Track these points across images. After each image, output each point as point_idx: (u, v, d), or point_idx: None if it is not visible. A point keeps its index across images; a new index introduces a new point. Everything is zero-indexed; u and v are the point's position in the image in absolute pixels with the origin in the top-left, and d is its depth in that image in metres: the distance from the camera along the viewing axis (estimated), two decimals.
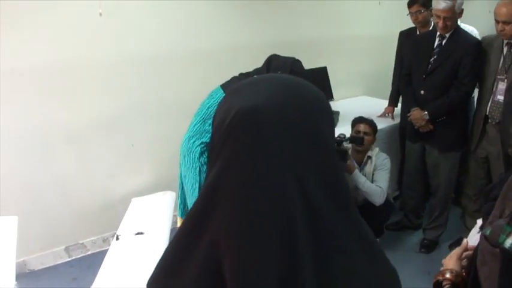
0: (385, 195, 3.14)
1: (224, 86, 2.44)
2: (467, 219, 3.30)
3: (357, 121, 3.32)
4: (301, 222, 0.60)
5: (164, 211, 2.96)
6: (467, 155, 3.28)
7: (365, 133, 3.25)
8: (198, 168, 2.40)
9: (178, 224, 2.88)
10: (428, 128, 3.16)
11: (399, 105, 3.77)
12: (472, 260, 1.36)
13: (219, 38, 3.68)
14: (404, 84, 3.36)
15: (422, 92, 3.15)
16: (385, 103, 3.98)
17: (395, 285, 0.70)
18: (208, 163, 0.68)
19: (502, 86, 2.95)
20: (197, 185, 2.40)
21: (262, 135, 0.62)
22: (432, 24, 3.34)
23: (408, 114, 3.23)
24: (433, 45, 3.10)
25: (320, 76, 4.13)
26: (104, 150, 3.31)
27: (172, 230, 2.69)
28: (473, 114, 3.20)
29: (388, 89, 3.97)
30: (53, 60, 2.99)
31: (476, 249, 1.32)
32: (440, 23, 2.94)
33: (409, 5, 3.50)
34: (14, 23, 2.80)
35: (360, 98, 4.63)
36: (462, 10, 3.00)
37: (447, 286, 1.36)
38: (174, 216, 3.04)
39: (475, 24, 3.80)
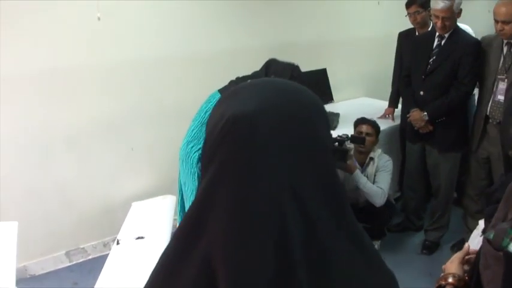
0: (386, 197, 3.14)
1: (222, 91, 2.43)
2: (469, 220, 3.29)
3: (359, 122, 3.32)
4: (296, 227, 0.59)
5: (164, 215, 2.96)
6: (468, 156, 3.28)
7: (367, 134, 3.24)
8: (196, 174, 2.39)
9: None
10: (428, 129, 3.15)
11: (399, 106, 3.76)
12: (474, 264, 1.35)
13: (219, 40, 3.67)
14: (404, 85, 3.36)
15: (421, 92, 3.14)
16: (385, 104, 3.97)
17: None
18: (202, 168, 0.67)
19: (502, 85, 2.94)
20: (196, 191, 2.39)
21: (255, 140, 0.61)
22: (431, 24, 3.33)
23: (408, 115, 3.23)
24: (432, 46, 3.09)
25: (320, 78, 4.13)
26: (104, 154, 3.30)
27: (172, 234, 2.68)
28: (474, 115, 3.19)
29: (388, 90, 3.96)
30: (53, 64, 2.98)
31: (478, 252, 1.31)
32: (439, 23, 2.94)
33: (407, 6, 3.50)
34: (13, 25, 2.80)
35: (360, 100, 4.62)
36: (461, 10, 2.99)
37: None
38: (175, 220, 3.04)
39: (474, 24, 3.79)
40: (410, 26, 3.63)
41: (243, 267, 0.58)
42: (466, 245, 1.48)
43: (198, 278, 0.61)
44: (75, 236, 3.31)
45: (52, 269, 3.25)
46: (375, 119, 3.47)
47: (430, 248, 3.42)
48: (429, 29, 3.41)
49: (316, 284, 0.59)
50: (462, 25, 3.43)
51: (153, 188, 3.44)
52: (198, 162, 2.38)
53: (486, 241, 1.20)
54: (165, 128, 3.45)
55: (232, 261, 0.59)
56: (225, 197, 0.61)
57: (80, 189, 3.26)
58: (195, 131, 2.41)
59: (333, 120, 3.76)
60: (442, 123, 3.12)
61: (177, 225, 2.89)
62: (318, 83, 4.12)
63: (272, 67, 2.51)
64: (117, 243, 2.69)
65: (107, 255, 2.55)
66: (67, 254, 3.31)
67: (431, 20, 3.23)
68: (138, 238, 2.70)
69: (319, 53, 4.31)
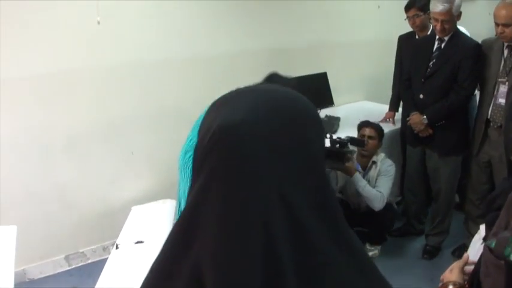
0: (385, 201, 3.13)
1: None
2: (470, 225, 3.27)
3: (363, 125, 3.32)
4: (286, 234, 0.58)
5: (164, 219, 2.95)
6: (469, 159, 3.26)
7: (370, 137, 3.24)
8: None
9: None
10: (427, 133, 3.14)
11: (400, 110, 3.75)
12: (474, 272, 1.35)
13: (219, 43, 3.67)
14: (404, 88, 3.35)
15: (421, 96, 3.14)
16: (386, 108, 3.96)
17: None
18: (192, 174, 0.67)
19: (503, 89, 2.93)
20: None
21: (243, 150, 0.60)
22: (431, 28, 3.33)
23: (407, 119, 3.22)
24: (432, 49, 3.09)
25: (320, 81, 4.12)
26: (103, 158, 3.29)
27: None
28: (475, 118, 3.18)
29: (388, 93, 3.96)
30: (53, 66, 2.98)
31: (479, 260, 1.30)
32: (438, 26, 2.93)
33: (406, 9, 3.49)
34: (13, 28, 2.80)
35: (361, 103, 4.62)
36: (460, 13, 2.99)
37: None
38: None
39: (475, 27, 3.79)
40: (411, 29, 3.62)
41: (231, 275, 0.57)
42: (466, 254, 1.47)
43: (188, 286, 0.60)
44: (74, 240, 3.30)
45: (51, 273, 3.24)
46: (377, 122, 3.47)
47: (431, 252, 3.40)
48: (429, 32, 3.41)
49: None
50: (459, 27, 3.43)
51: (153, 192, 3.42)
52: None
53: (487, 249, 1.19)
54: (165, 132, 3.44)
55: (220, 268, 0.58)
56: (214, 205, 0.60)
57: (79, 192, 3.25)
58: (192, 140, 2.40)
59: (333, 124, 3.76)
60: (442, 126, 3.10)
61: None
62: (318, 87, 4.11)
63: (274, 81, 2.50)
64: (116, 247, 2.68)
65: (107, 259, 2.54)
66: (66, 258, 3.30)
67: (430, 23, 3.22)
68: (138, 242, 2.69)
69: (320, 56, 4.30)
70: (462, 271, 1.41)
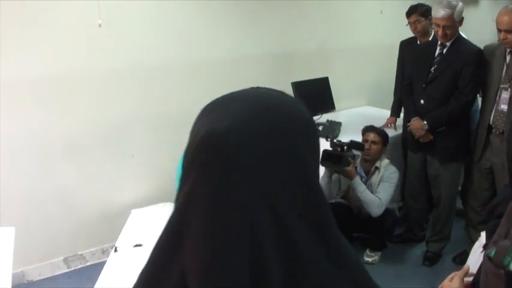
0: (384, 208, 3.12)
1: None
2: (471, 231, 3.25)
3: (367, 130, 3.32)
4: (272, 240, 0.57)
5: (164, 223, 2.93)
6: (471, 166, 3.24)
7: (373, 142, 3.23)
8: None
9: None
10: (428, 138, 3.13)
11: (402, 115, 3.74)
12: (474, 281, 1.34)
13: (220, 48, 3.67)
14: (406, 94, 3.34)
15: (422, 101, 3.12)
16: (387, 113, 3.95)
17: None
18: (180, 179, 0.65)
19: (505, 95, 2.92)
20: None
21: (228, 159, 0.59)
22: (432, 33, 3.32)
23: (408, 124, 3.21)
24: (434, 55, 3.08)
25: (322, 86, 4.12)
26: (103, 161, 3.29)
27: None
28: (477, 124, 3.16)
29: (391, 99, 3.95)
30: (53, 69, 2.99)
31: (479, 269, 1.29)
32: (440, 32, 2.92)
33: (408, 15, 3.49)
34: (14, 30, 2.81)
35: (363, 108, 4.61)
36: (462, 18, 2.98)
37: None
38: None
39: (477, 33, 3.78)
40: (413, 34, 3.62)
41: (216, 281, 0.57)
42: (467, 265, 1.46)
43: None
44: (73, 243, 3.29)
45: (50, 275, 3.23)
46: None
47: (432, 259, 3.37)
48: (430, 37, 3.41)
49: None
50: None
51: (152, 195, 3.42)
52: None
53: (487, 258, 1.18)
54: (165, 135, 3.44)
55: (205, 276, 0.57)
56: (199, 214, 0.59)
57: (79, 195, 3.24)
58: None
59: (334, 129, 3.75)
60: (442, 132, 3.09)
61: None
62: (320, 92, 4.11)
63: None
64: (115, 250, 2.68)
65: (106, 262, 2.53)
66: (65, 260, 3.29)
67: (432, 28, 3.22)
68: (136, 246, 2.68)
69: (321, 61, 4.30)
70: (462, 281, 1.40)
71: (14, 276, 2.15)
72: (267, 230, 0.57)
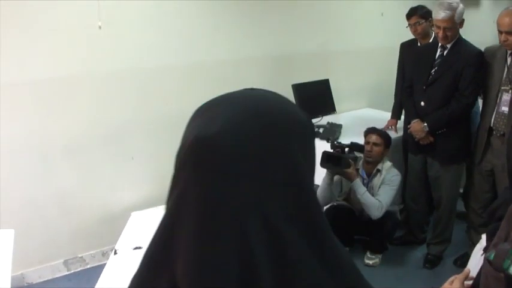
0: (383, 210, 3.11)
1: None
2: (473, 234, 3.24)
3: (369, 131, 3.31)
4: (263, 245, 0.56)
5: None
6: (472, 168, 3.23)
7: (375, 144, 3.23)
8: None
9: None
10: (428, 140, 3.12)
11: (402, 117, 3.73)
12: (475, 284, 1.33)
13: (220, 51, 3.67)
14: (406, 96, 3.33)
15: (422, 103, 3.11)
16: (388, 116, 3.95)
17: None
18: (171, 183, 0.65)
19: (506, 97, 2.91)
20: None
21: (219, 161, 0.58)
22: (433, 35, 3.32)
23: (408, 126, 3.20)
24: (435, 56, 3.07)
25: (322, 88, 4.11)
26: (103, 164, 3.29)
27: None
28: (477, 126, 3.16)
29: (392, 101, 3.94)
30: (53, 72, 2.99)
31: (479, 272, 1.29)
32: (441, 34, 2.92)
33: (408, 17, 3.49)
34: (13, 33, 2.81)
35: (363, 111, 4.60)
36: (463, 20, 2.97)
37: None
38: None
39: (479, 35, 3.77)
40: (414, 36, 3.62)
41: (206, 283, 0.56)
42: (467, 269, 1.46)
43: None
44: (73, 245, 3.29)
45: (50, 277, 3.23)
46: None
47: (433, 262, 3.36)
48: (431, 39, 3.40)
49: None
50: None
51: (152, 197, 3.40)
52: None
53: (487, 261, 1.17)
54: (165, 137, 3.43)
55: (195, 275, 0.57)
56: (188, 219, 0.59)
57: (79, 197, 3.24)
58: None
59: (335, 131, 3.75)
60: (443, 134, 3.08)
61: None
62: (321, 94, 4.10)
63: None
64: (115, 253, 2.66)
65: (106, 264, 2.52)
66: (65, 262, 3.29)
67: (432, 30, 3.21)
68: (136, 248, 2.67)
69: (322, 63, 4.29)
70: (463, 284, 1.39)
71: (13, 278, 2.15)
72: (257, 231, 0.57)
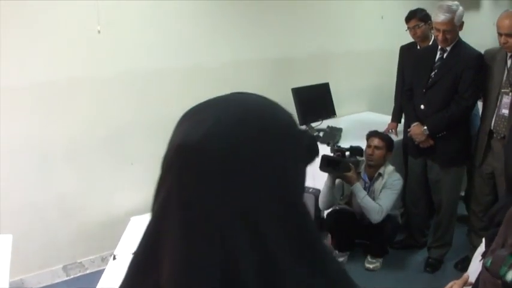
0: (384, 214, 3.10)
1: None
2: (474, 237, 3.22)
3: (371, 135, 3.30)
4: (247, 252, 0.55)
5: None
6: (472, 171, 3.22)
7: (376, 147, 3.22)
8: None
9: None
10: (428, 144, 3.10)
11: (403, 121, 3.72)
12: None
13: (220, 54, 3.67)
14: (406, 99, 3.32)
15: (422, 106, 3.10)
16: (389, 119, 3.94)
17: None
18: (155, 190, 0.64)
19: (506, 99, 2.90)
20: None
21: (202, 171, 0.57)
22: (432, 38, 3.31)
23: (408, 130, 3.19)
24: (434, 59, 3.06)
25: (322, 92, 4.10)
26: (103, 168, 3.28)
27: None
28: (478, 129, 3.14)
29: (392, 104, 3.93)
30: (53, 76, 2.99)
31: (477, 278, 1.28)
32: (440, 36, 2.91)
33: (407, 20, 3.49)
34: (13, 36, 2.81)
35: (364, 114, 4.59)
36: (462, 23, 2.96)
37: None
38: None
39: (479, 37, 3.77)
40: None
41: None
42: (466, 274, 1.45)
43: None
44: (73, 250, 3.28)
45: (49, 283, 3.21)
46: None
47: (434, 265, 3.33)
48: (430, 42, 3.39)
49: None
50: None
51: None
52: None
53: (484, 267, 1.16)
54: (165, 142, 3.37)
55: (179, 282, 0.56)
56: (173, 221, 0.58)
57: (78, 202, 3.23)
58: None
59: (335, 135, 3.74)
60: (443, 137, 3.07)
61: None
62: (321, 97, 4.09)
63: None
64: (114, 258, 2.65)
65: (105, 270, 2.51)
66: (64, 268, 3.28)
67: (432, 33, 3.20)
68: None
69: (322, 66, 4.29)
70: None
71: (13, 284, 2.14)
72: (241, 239, 0.56)
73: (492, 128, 2.97)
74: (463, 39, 3.07)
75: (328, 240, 3.55)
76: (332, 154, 3.14)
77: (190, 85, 3.52)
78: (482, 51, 3.08)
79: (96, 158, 3.24)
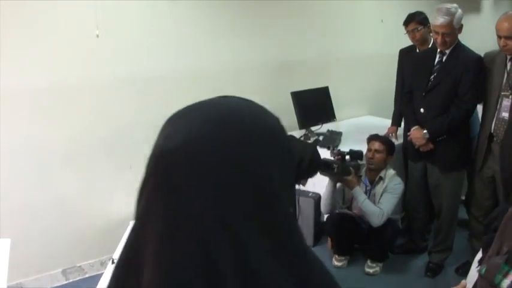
0: (384, 218, 3.08)
1: None
2: (475, 242, 3.19)
3: (372, 138, 3.29)
4: (227, 256, 0.55)
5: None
6: (473, 175, 3.20)
7: (376, 151, 3.21)
8: None
9: None
10: (428, 148, 3.08)
11: (403, 124, 3.71)
12: None
13: (220, 57, 3.67)
14: (406, 102, 3.30)
15: (422, 110, 3.09)
16: (389, 123, 3.93)
17: None
18: (137, 196, 0.64)
19: (506, 102, 2.88)
20: None
21: (182, 178, 0.57)
22: (431, 41, 3.30)
23: (408, 134, 3.17)
24: (434, 62, 3.05)
25: (322, 96, 4.10)
26: (101, 172, 3.28)
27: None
28: (478, 133, 3.13)
29: (392, 108, 3.92)
30: (52, 79, 2.99)
31: (475, 285, 1.26)
32: (439, 39, 2.90)
33: (406, 24, 3.48)
34: (12, 39, 2.82)
35: (364, 118, 4.59)
36: (461, 26, 2.95)
37: None
38: None
39: (479, 40, 3.76)
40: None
41: None
42: (463, 281, 1.43)
43: None
44: (72, 254, 3.27)
45: (48, 286, 3.20)
46: None
47: (434, 270, 3.31)
48: (429, 45, 3.38)
49: None
50: None
51: None
52: None
53: (479, 275, 1.15)
54: None
55: (159, 285, 0.56)
56: (154, 225, 0.58)
57: (77, 206, 3.23)
58: None
59: (335, 139, 3.74)
60: (443, 141, 3.05)
61: None
62: (320, 101, 4.09)
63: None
64: (112, 262, 2.64)
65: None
66: (63, 272, 3.27)
67: (431, 36, 3.19)
68: None
69: (322, 70, 4.29)
70: None
71: None
72: (221, 245, 0.55)
73: (492, 131, 2.95)
74: (463, 43, 3.06)
75: (328, 244, 3.54)
76: (332, 158, 3.13)
77: (189, 88, 3.52)
78: (483, 55, 3.07)
79: (95, 162, 3.24)
